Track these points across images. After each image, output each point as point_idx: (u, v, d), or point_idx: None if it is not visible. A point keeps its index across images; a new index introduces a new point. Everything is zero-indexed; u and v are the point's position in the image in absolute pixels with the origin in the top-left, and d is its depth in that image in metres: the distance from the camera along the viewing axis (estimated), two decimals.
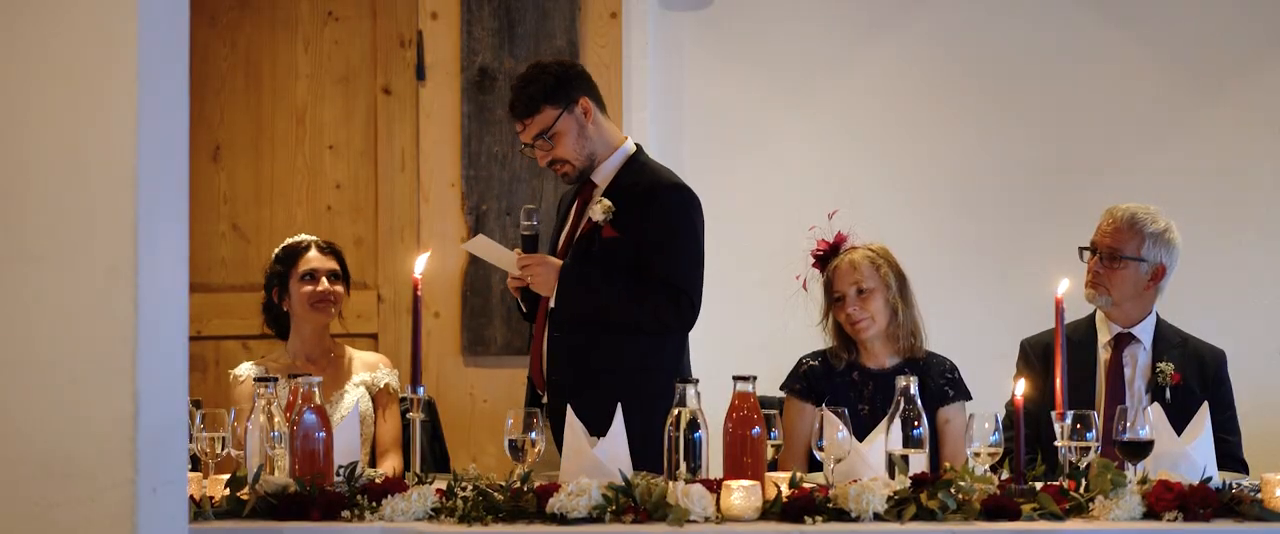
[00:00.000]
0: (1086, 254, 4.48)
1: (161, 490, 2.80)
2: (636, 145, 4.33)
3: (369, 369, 4.61)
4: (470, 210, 5.43)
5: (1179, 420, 3.84)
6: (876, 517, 3.33)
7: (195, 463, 3.69)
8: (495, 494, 3.43)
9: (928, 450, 3.63)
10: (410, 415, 3.90)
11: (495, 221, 5.34)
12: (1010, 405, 3.82)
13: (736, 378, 3.59)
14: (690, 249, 4.19)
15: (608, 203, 4.18)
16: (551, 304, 4.20)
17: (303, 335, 4.59)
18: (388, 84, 5.58)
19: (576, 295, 4.16)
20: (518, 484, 3.46)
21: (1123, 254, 4.41)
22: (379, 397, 4.59)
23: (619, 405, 3.74)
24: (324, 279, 4.56)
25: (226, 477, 3.58)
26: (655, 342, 4.20)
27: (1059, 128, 5.54)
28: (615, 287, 4.15)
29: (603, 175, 4.26)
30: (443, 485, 3.57)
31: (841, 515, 3.34)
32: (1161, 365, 4.41)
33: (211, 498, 3.51)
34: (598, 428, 3.72)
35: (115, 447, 2.74)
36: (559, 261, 4.19)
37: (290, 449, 3.60)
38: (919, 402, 3.60)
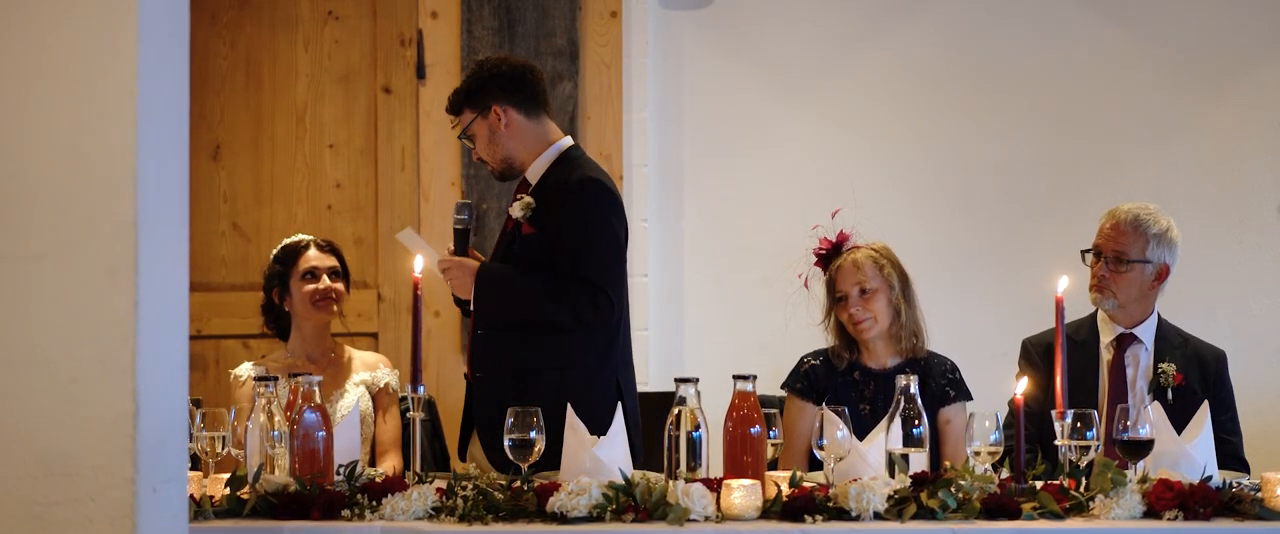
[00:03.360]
0: (1088, 257, 4.47)
1: (162, 489, 2.80)
2: (573, 143, 4.33)
3: (369, 369, 4.61)
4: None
5: (1180, 421, 3.84)
6: (877, 516, 3.33)
7: (195, 462, 3.69)
8: (495, 493, 3.43)
9: (928, 449, 3.63)
10: (410, 415, 3.90)
11: (495, 220, 5.34)
12: (1011, 404, 3.82)
13: (736, 377, 3.59)
14: (603, 244, 4.15)
15: (527, 200, 4.20)
16: (471, 306, 4.22)
17: (304, 334, 4.58)
18: (388, 83, 5.58)
19: (492, 297, 4.17)
20: (517, 483, 3.46)
21: (1129, 257, 4.39)
22: (379, 396, 4.59)
23: (618, 406, 3.74)
24: (325, 277, 4.56)
25: (227, 476, 3.58)
26: (579, 338, 4.17)
27: (1059, 127, 5.53)
28: (530, 286, 4.14)
29: (535, 173, 4.28)
30: (443, 485, 3.57)
31: (842, 514, 3.34)
32: (1163, 366, 4.40)
33: (212, 497, 3.51)
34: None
35: (116, 446, 2.74)
36: (476, 263, 4.20)
37: (290, 448, 3.60)
38: (919, 401, 3.60)
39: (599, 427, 3.73)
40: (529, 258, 4.18)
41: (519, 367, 4.16)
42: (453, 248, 4.26)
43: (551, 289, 4.12)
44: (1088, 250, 4.47)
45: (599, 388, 4.15)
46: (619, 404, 3.76)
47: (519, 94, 4.25)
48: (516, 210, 4.21)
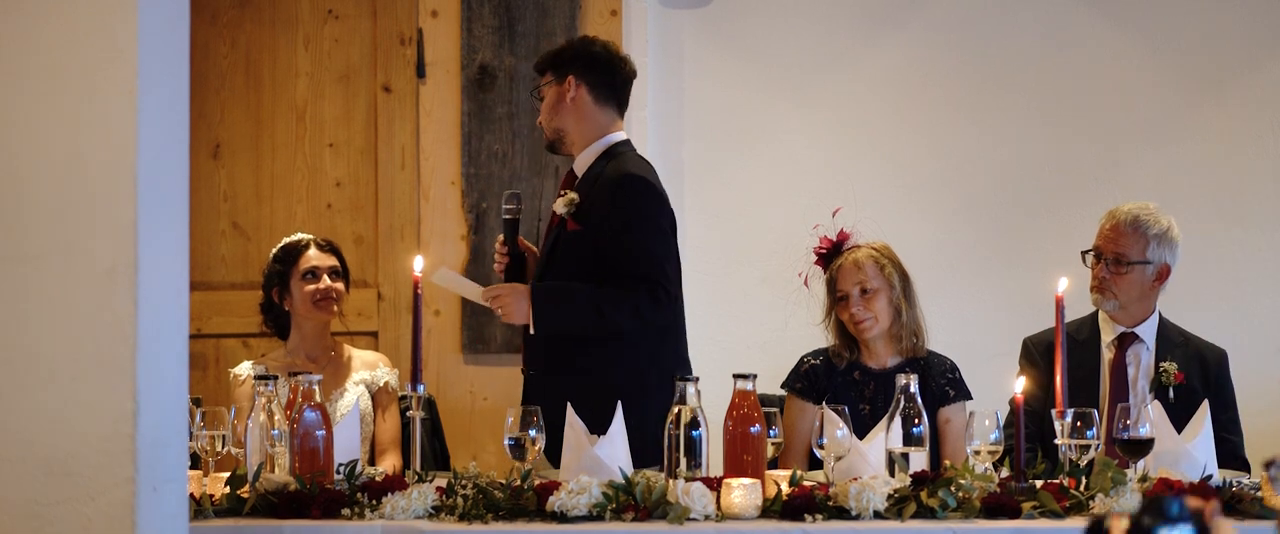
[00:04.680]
0: (1089, 257, 4.46)
1: (162, 489, 2.81)
2: (625, 138, 4.30)
3: (369, 368, 4.61)
4: (470, 208, 5.43)
5: (1182, 420, 3.84)
6: (877, 515, 3.34)
7: (195, 461, 3.69)
8: (495, 492, 3.43)
9: (928, 448, 3.63)
10: (410, 414, 3.90)
11: (495, 219, 5.33)
12: (1011, 403, 3.83)
13: (737, 376, 3.59)
14: (654, 238, 4.13)
15: (572, 195, 4.18)
16: (531, 330, 4.13)
17: (303, 334, 4.59)
18: (388, 82, 5.58)
19: (552, 316, 4.11)
20: (518, 482, 3.46)
21: (1129, 258, 4.38)
22: (378, 395, 4.59)
23: (619, 404, 3.74)
24: (325, 276, 4.56)
25: (227, 475, 3.58)
26: (629, 336, 4.13)
27: (1059, 126, 5.53)
28: (589, 297, 4.08)
29: (580, 165, 4.26)
30: (443, 483, 3.57)
31: (842, 513, 3.34)
32: (1165, 365, 4.40)
33: (212, 496, 3.51)
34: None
35: (115, 445, 2.74)
36: (526, 287, 4.15)
37: (290, 447, 3.60)
38: (919, 400, 3.60)
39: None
40: (575, 255, 4.15)
41: (570, 366, 4.14)
42: (502, 238, 4.25)
43: (610, 295, 4.07)
44: (1088, 251, 4.47)
45: (651, 385, 4.09)
46: (619, 403, 3.75)
47: (596, 76, 4.27)
48: (560, 206, 4.18)
